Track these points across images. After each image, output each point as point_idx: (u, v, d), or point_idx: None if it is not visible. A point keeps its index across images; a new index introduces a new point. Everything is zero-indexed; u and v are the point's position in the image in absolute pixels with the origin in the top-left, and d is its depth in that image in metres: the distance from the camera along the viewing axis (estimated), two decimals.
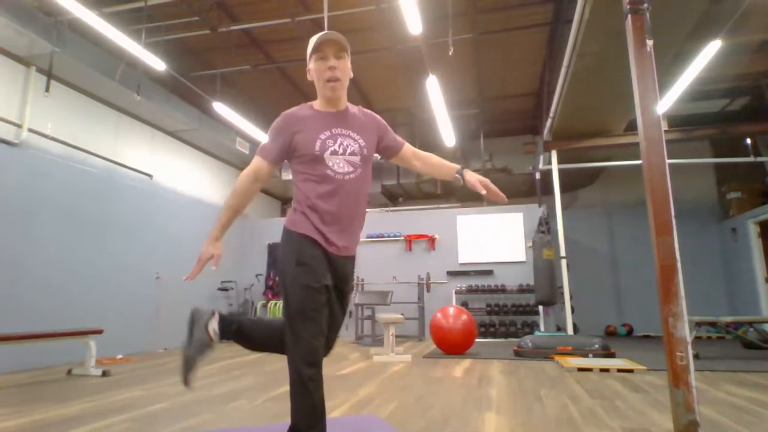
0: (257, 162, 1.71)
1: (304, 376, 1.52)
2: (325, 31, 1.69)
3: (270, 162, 1.71)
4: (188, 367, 1.71)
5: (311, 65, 1.72)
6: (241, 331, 1.78)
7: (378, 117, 1.86)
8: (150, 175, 6.83)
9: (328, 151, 1.66)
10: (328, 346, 1.72)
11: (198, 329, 1.73)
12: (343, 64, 1.69)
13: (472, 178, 1.79)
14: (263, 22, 6.21)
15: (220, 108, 6.54)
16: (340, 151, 1.67)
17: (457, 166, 1.87)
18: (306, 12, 6.12)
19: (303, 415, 1.54)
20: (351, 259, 1.75)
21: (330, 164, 1.65)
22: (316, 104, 1.76)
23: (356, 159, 1.69)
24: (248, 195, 1.71)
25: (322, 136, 1.67)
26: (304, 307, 1.55)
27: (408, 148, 1.91)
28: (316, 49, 1.68)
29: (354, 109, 1.80)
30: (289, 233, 1.66)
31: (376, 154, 1.84)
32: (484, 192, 1.76)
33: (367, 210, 1.85)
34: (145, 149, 6.88)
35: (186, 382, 1.71)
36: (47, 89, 5.33)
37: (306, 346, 1.53)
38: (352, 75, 1.77)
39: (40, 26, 4.88)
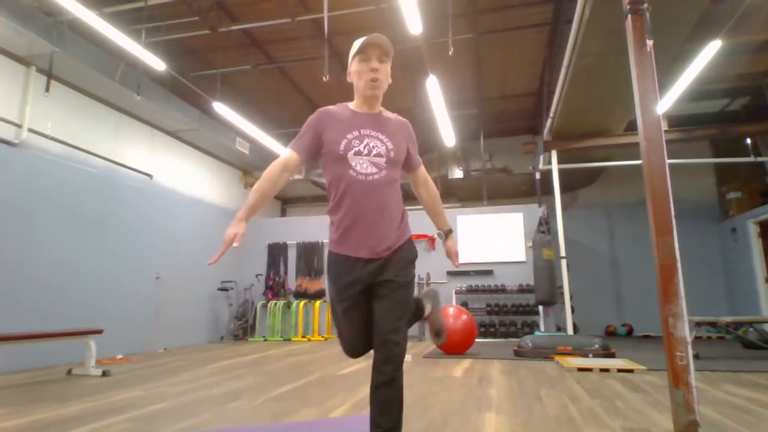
0: (288, 153, 1.72)
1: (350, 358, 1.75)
2: (371, 35, 1.69)
3: (299, 154, 1.71)
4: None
5: (353, 67, 1.73)
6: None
7: (409, 126, 1.86)
8: (150, 175, 6.84)
9: (352, 151, 1.66)
10: (391, 336, 1.62)
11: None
12: (385, 68, 1.71)
13: (452, 247, 1.93)
14: (263, 22, 6.21)
15: (220, 108, 6.54)
16: (365, 151, 1.67)
17: (449, 226, 1.98)
18: (306, 12, 6.12)
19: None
20: (394, 253, 1.69)
21: (353, 164, 1.66)
22: (352, 104, 1.77)
23: (381, 161, 1.69)
24: (277, 182, 1.70)
25: (349, 136, 1.68)
26: (337, 317, 1.77)
27: (423, 171, 1.93)
28: (360, 51, 1.69)
29: (388, 113, 1.81)
30: (328, 250, 1.79)
31: None
32: (456, 264, 1.94)
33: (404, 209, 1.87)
34: (145, 149, 6.88)
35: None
36: (47, 89, 5.33)
37: (345, 343, 1.79)
38: (391, 80, 1.77)
39: (40, 26, 4.88)
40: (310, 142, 1.71)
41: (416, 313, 1.96)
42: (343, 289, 1.70)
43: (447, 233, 1.95)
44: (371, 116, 1.75)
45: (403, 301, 1.68)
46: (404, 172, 1.88)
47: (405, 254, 1.73)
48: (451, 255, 1.92)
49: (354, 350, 1.78)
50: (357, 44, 1.71)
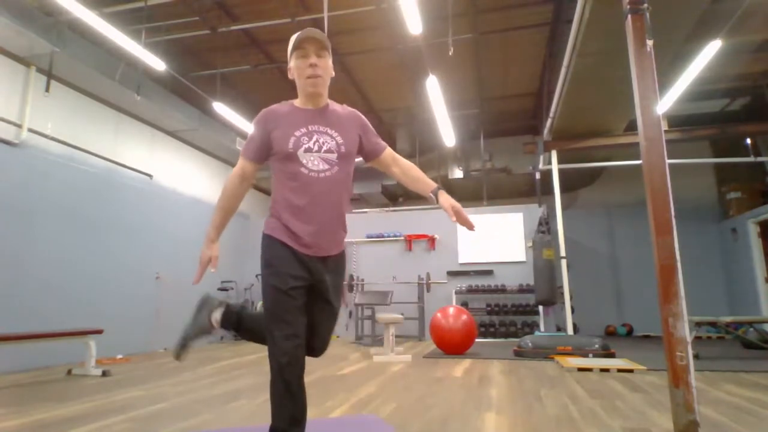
0: (241, 162, 1.71)
1: (280, 376, 1.52)
2: (307, 29, 1.67)
3: (251, 160, 1.69)
4: (183, 345, 1.79)
5: (292, 63, 1.70)
6: (240, 323, 1.82)
7: (360, 115, 1.82)
8: (150, 175, 6.84)
9: (302, 149, 1.63)
10: (318, 348, 1.70)
11: (202, 314, 1.81)
12: (324, 62, 1.68)
13: (446, 202, 1.70)
14: (263, 22, 6.21)
15: (220, 108, 6.54)
16: (315, 148, 1.64)
17: (435, 185, 1.77)
18: (306, 12, 6.12)
19: (281, 415, 1.52)
20: (332, 260, 1.69)
21: (304, 162, 1.63)
22: (297, 102, 1.74)
23: (332, 156, 1.66)
24: (237, 196, 1.71)
25: (297, 133, 1.65)
26: (274, 309, 1.56)
27: (389, 153, 1.84)
28: (296, 47, 1.66)
29: (336, 106, 1.77)
30: (264, 237, 1.67)
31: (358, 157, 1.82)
32: (453, 218, 1.69)
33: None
34: (145, 149, 6.88)
35: (178, 357, 1.79)
36: (47, 89, 5.33)
37: (279, 347, 1.53)
38: (333, 74, 1.74)
39: (40, 26, 4.88)
40: (259, 144, 1.68)
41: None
42: (287, 279, 1.58)
43: (437, 191, 1.74)
44: (317, 111, 1.71)
45: (336, 312, 1.74)
46: (369, 161, 1.84)
47: (341, 263, 1.74)
48: (451, 211, 1.68)
49: (292, 359, 1.55)
50: (293, 40, 1.68)
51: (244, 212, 9.37)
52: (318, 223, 1.63)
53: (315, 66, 1.65)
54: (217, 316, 1.81)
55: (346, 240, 1.80)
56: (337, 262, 1.73)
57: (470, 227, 1.70)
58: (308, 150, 1.64)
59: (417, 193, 1.86)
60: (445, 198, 1.71)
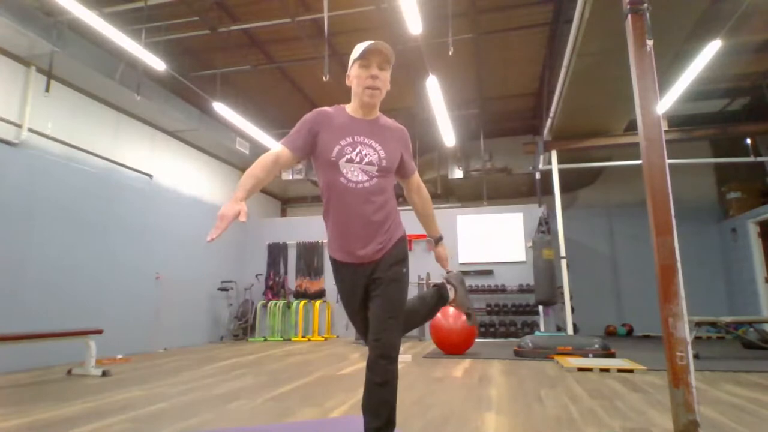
0: (280, 148, 1.69)
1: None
2: (373, 41, 1.67)
3: (290, 150, 1.68)
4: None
5: (353, 71, 1.71)
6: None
7: (406, 133, 1.85)
8: (150, 175, 6.84)
9: (344, 159, 1.65)
10: (381, 335, 1.64)
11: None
12: (384, 76, 1.70)
13: (442, 253, 1.97)
14: (263, 22, 6.21)
15: (220, 108, 6.54)
16: (357, 159, 1.66)
17: (440, 233, 2.00)
18: (306, 12, 6.12)
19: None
20: (385, 256, 1.71)
21: (344, 171, 1.65)
22: (349, 108, 1.76)
23: (373, 169, 1.68)
24: (269, 171, 1.64)
25: (343, 142, 1.67)
26: (349, 317, 1.83)
27: (417, 178, 1.91)
28: (361, 57, 1.67)
29: (386, 120, 1.80)
30: (329, 255, 1.81)
31: None
32: (446, 268, 1.99)
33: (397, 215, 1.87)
34: (145, 149, 6.88)
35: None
36: (47, 89, 5.33)
37: (361, 336, 1.83)
38: (389, 87, 1.76)
39: (40, 26, 4.88)
40: (304, 141, 1.69)
41: (441, 298, 1.98)
42: (347, 292, 1.77)
43: (437, 240, 1.98)
44: (367, 123, 1.73)
45: (393, 298, 1.67)
46: (397, 178, 1.87)
47: (393, 253, 1.73)
48: (441, 260, 1.97)
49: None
50: (359, 49, 1.69)
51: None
52: (358, 232, 1.68)
53: (376, 78, 1.67)
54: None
55: None
56: (391, 254, 1.72)
57: (447, 272, 2.05)
58: (350, 161, 1.66)
59: (420, 223, 2.08)
60: (442, 249, 1.98)
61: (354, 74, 1.71)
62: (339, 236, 1.71)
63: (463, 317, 2.19)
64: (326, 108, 1.74)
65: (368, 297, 1.72)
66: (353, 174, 1.66)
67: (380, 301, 1.66)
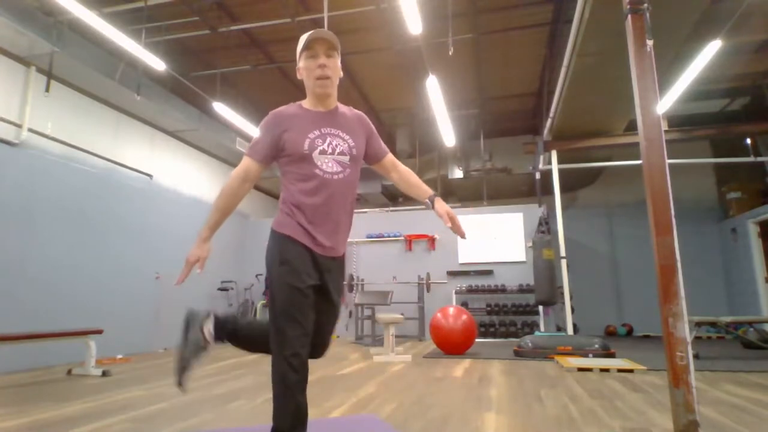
0: (246, 162, 1.68)
1: (288, 377, 1.49)
2: (317, 29, 1.66)
3: (259, 161, 1.67)
4: (183, 367, 1.70)
5: (301, 63, 1.70)
6: (236, 332, 1.76)
7: (366, 118, 1.84)
8: (150, 175, 6.84)
9: (317, 150, 1.64)
10: (321, 348, 1.71)
11: (193, 330, 1.72)
12: (333, 63, 1.68)
13: (441, 208, 1.76)
14: (263, 22, 6.21)
15: (220, 108, 6.54)
16: (329, 150, 1.66)
17: (431, 192, 1.84)
18: (306, 12, 6.12)
19: (285, 416, 1.50)
20: (339, 260, 1.72)
21: (318, 163, 1.64)
22: (306, 103, 1.74)
23: (345, 159, 1.68)
24: (237, 196, 1.67)
25: (311, 135, 1.65)
26: (287, 307, 1.54)
27: (390, 158, 1.89)
28: (306, 47, 1.66)
29: (344, 108, 1.78)
30: (274, 234, 1.66)
31: None
32: (449, 224, 1.75)
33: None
34: (145, 149, 6.88)
35: (180, 383, 1.71)
36: (47, 89, 5.33)
37: (290, 346, 1.51)
38: (342, 74, 1.75)
39: (40, 26, 4.88)
40: (268, 146, 1.66)
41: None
42: (301, 277, 1.58)
43: (433, 198, 1.81)
44: (329, 114, 1.72)
45: (336, 316, 1.74)
46: (371, 164, 1.87)
47: (342, 265, 1.76)
48: (446, 217, 1.74)
49: (302, 360, 1.54)
50: (303, 40, 1.67)
51: (244, 212, 9.37)
52: (334, 224, 1.66)
53: (324, 66, 1.65)
54: (209, 327, 1.73)
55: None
56: (341, 263, 1.76)
57: (462, 236, 1.76)
58: (323, 152, 1.65)
59: (412, 197, 1.94)
60: (440, 204, 1.78)
61: (303, 66, 1.69)
62: (305, 218, 1.62)
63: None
64: (282, 108, 1.71)
65: (317, 295, 1.63)
66: (328, 166, 1.65)
67: (332, 314, 1.71)
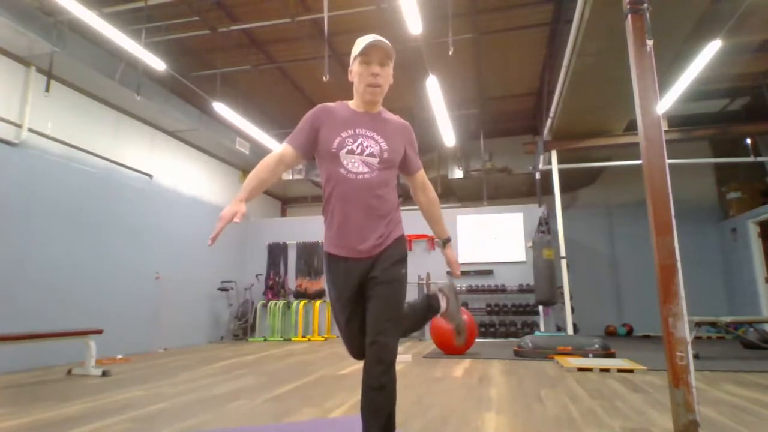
0: (284, 147, 1.71)
1: (351, 353, 1.75)
2: (373, 37, 1.66)
3: (294, 148, 1.69)
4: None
5: (354, 67, 1.71)
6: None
7: (410, 129, 1.84)
8: (150, 175, 6.84)
9: (345, 150, 1.65)
10: (378, 338, 1.59)
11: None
12: (386, 72, 1.70)
13: (452, 255, 1.91)
14: (263, 22, 6.21)
15: (220, 108, 6.54)
16: (358, 150, 1.66)
17: (447, 234, 1.94)
18: (306, 12, 6.12)
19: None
20: (382, 254, 1.67)
21: (344, 163, 1.64)
22: (351, 103, 1.76)
23: (374, 161, 1.67)
24: (273, 172, 1.67)
25: (344, 134, 1.67)
26: (336, 318, 1.77)
27: (422, 175, 1.89)
28: (362, 53, 1.67)
29: (389, 115, 1.79)
30: (323, 251, 1.78)
31: None
32: (456, 273, 1.91)
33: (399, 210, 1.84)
34: (145, 149, 6.88)
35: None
36: (47, 89, 5.33)
37: (346, 344, 1.76)
38: (392, 81, 1.75)
39: (40, 26, 4.88)
40: (306, 137, 1.70)
41: (431, 309, 1.95)
42: (339, 290, 1.70)
43: (446, 242, 1.92)
44: (369, 116, 1.73)
45: (391, 300, 1.63)
46: (402, 175, 1.87)
47: (392, 252, 1.69)
48: (452, 264, 1.89)
49: (356, 351, 1.74)
50: (359, 44, 1.68)
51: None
52: (359, 225, 1.65)
53: (377, 75, 1.67)
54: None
55: None
56: (391, 252, 1.69)
57: (457, 277, 1.96)
58: (350, 152, 1.65)
59: (428, 225, 2.04)
60: (451, 251, 1.93)
61: (356, 71, 1.71)
62: (337, 229, 1.67)
63: (458, 331, 2.08)
64: (328, 103, 1.75)
65: (362, 297, 1.68)
66: (354, 165, 1.65)
67: (378, 302, 1.62)
